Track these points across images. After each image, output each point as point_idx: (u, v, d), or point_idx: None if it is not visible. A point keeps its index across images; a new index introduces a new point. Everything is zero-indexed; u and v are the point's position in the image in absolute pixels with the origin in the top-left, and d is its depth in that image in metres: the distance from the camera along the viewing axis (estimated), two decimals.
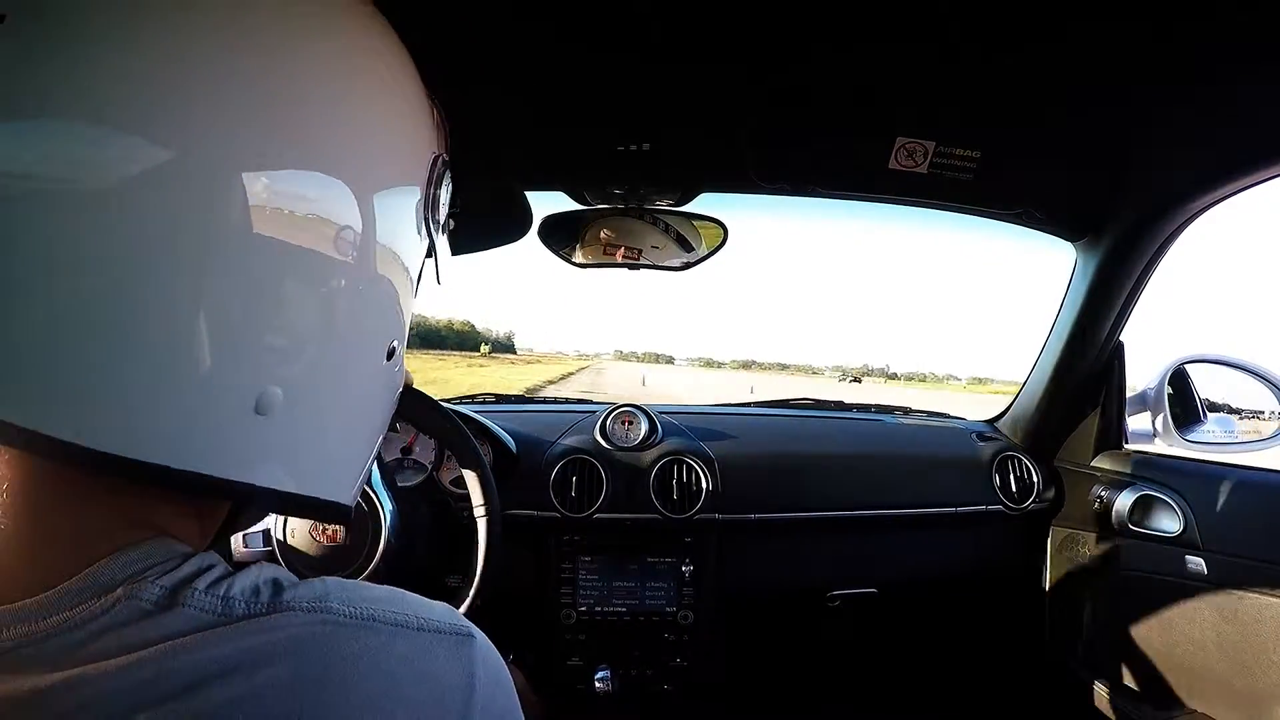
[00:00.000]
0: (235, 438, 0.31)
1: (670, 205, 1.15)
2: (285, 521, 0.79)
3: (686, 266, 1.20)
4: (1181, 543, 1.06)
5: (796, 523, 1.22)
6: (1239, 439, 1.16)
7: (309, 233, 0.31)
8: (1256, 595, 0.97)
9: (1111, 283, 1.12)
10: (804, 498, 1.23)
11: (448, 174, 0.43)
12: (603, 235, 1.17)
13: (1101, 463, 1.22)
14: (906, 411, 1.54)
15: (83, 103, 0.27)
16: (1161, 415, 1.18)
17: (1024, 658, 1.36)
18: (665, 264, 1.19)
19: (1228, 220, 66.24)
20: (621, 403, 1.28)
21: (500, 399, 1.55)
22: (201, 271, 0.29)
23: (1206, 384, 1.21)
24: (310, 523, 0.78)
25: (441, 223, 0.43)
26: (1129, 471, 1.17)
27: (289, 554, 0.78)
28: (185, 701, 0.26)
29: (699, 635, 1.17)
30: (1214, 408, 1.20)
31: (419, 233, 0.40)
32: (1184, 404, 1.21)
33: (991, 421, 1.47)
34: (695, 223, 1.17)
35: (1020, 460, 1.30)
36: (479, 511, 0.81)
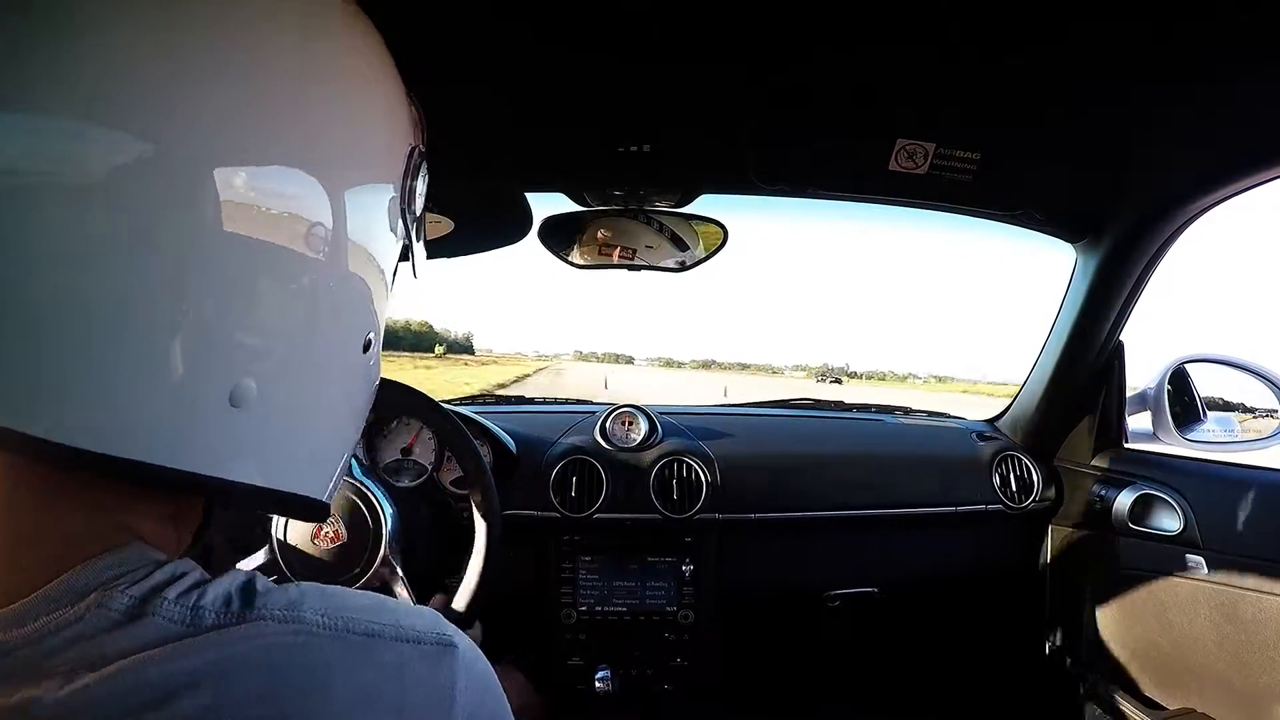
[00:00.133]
0: (209, 433, 0.31)
1: (670, 206, 1.15)
2: (285, 524, 0.79)
3: (685, 267, 1.19)
4: (1181, 542, 1.07)
5: (796, 522, 1.22)
6: (1239, 438, 1.16)
7: (283, 229, 0.31)
8: (1256, 594, 0.97)
9: (1111, 283, 1.12)
10: (804, 497, 1.23)
11: (424, 165, 0.43)
12: (600, 235, 1.17)
13: (1101, 462, 1.22)
14: (907, 411, 1.54)
15: (67, 97, 0.27)
16: (1162, 415, 1.18)
17: (1024, 657, 1.36)
18: (664, 265, 1.19)
19: (1228, 220, 67.01)
20: (622, 403, 1.28)
21: (500, 399, 1.55)
22: (179, 265, 0.29)
23: (1206, 383, 1.21)
24: (311, 525, 0.78)
25: (418, 215, 0.43)
26: (1129, 471, 1.17)
27: (289, 556, 0.78)
28: (155, 713, 0.26)
29: (699, 635, 1.17)
30: (1214, 407, 1.20)
31: (393, 229, 0.40)
32: (1184, 403, 1.21)
33: (991, 421, 1.47)
34: (695, 224, 1.16)
35: (1020, 460, 1.30)
36: (479, 512, 0.81)
